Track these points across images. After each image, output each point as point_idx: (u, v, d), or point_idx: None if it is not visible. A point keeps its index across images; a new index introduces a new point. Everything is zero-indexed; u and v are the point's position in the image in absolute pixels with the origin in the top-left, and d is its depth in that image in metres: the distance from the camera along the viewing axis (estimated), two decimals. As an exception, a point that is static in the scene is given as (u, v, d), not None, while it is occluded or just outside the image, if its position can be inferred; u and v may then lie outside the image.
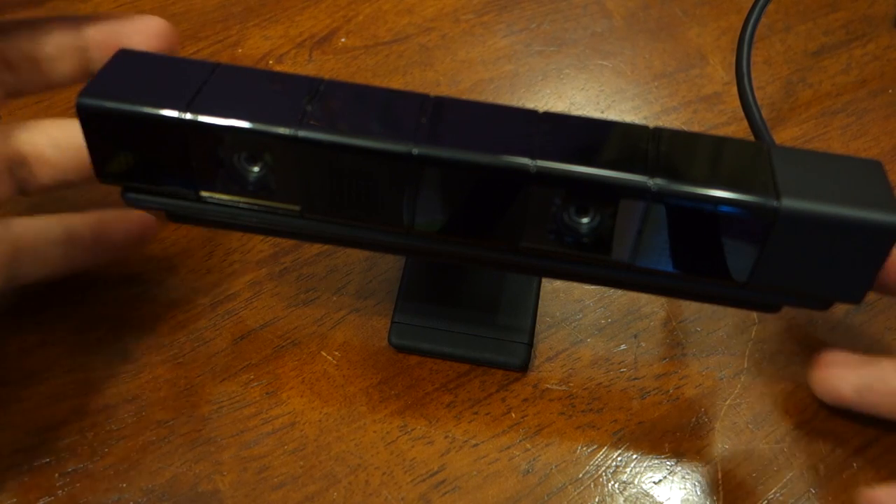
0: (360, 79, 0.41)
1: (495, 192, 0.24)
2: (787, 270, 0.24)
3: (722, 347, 0.33)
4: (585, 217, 0.24)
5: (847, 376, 0.29)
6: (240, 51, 0.42)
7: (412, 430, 0.30)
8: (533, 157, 0.23)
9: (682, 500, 0.29)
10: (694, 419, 0.31)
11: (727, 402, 0.31)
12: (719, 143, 0.25)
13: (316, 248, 0.35)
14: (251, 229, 0.28)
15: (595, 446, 0.30)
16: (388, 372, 0.32)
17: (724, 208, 0.23)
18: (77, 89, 0.24)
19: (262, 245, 0.35)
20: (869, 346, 0.33)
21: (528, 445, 0.30)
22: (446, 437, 0.30)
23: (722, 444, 0.30)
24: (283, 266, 0.35)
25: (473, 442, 0.30)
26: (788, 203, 0.23)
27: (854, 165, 0.24)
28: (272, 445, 0.30)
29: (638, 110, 0.40)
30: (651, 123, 0.26)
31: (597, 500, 0.29)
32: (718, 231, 0.24)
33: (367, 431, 0.30)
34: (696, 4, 0.45)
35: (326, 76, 0.26)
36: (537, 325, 0.33)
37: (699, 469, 0.30)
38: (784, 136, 0.39)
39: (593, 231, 0.24)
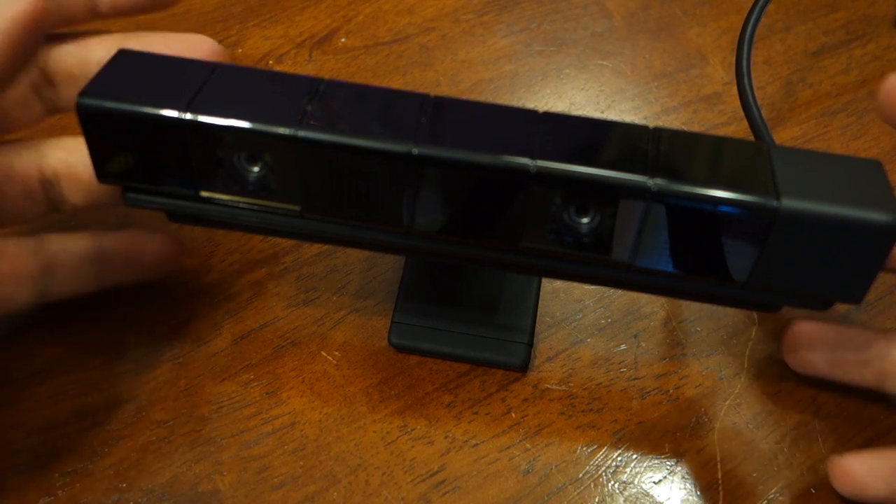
0: (360, 79, 0.41)
1: (495, 192, 0.24)
2: (787, 270, 0.24)
3: (722, 347, 0.33)
4: (585, 217, 0.24)
5: (818, 347, 0.29)
6: (240, 51, 0.42)
7: (412, 430, 0.30)
8: (533, 157, 0.23)
9: (682, 500, 0.29)
10: (694, 419, 0.31)
11: (727, 402, 0.31)
12: (719, 142, 0.25)
13: (316, 248, 0.35)
14: (251, 229, 0.28)
15: (595, 446, 0.30)
16: (388, 372, 0.32)
17: (724, 208, 0.23)
18: None
19: (262, 245, 0.35)
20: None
21: (528, 445, 0.30)
22: (446, 437, 0.30)
23: (722, 444, 0.30)
24: (283, 266, 0.35)
25: (473, 442, 0.30)
26: (788, 203, 0.23)
27: (854, 165, 0.24)
28: (272, 445, 0.30)
29: (638, 110, 0.40)
30: (651, 123, 0.26)
31: (597, 500, 0.29)
32: (718, 231, 0.24)
33: (367, 431, 0.30)
34: (696, 4, 0.45)
35: (326, 76, 0.26)
36: (537, 325, 0.33)
37: (699, 469, 0.30)
38: (784, 136, 0.39)
39: (593, 231, 0.24)
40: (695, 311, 0.34)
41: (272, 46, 0.43)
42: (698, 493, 0.29)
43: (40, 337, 0.32)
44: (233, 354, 0.32)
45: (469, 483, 0.29)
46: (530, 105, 0.40)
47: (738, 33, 0.36)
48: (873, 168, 0.24)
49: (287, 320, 0.33)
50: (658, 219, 0.24)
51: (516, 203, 0.24)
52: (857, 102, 0.41)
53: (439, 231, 0.25)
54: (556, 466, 0.30)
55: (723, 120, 0.40)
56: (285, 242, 0.35)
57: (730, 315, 0.33)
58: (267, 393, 0.31)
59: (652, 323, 0.33)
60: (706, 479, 0.30)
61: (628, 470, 0.30)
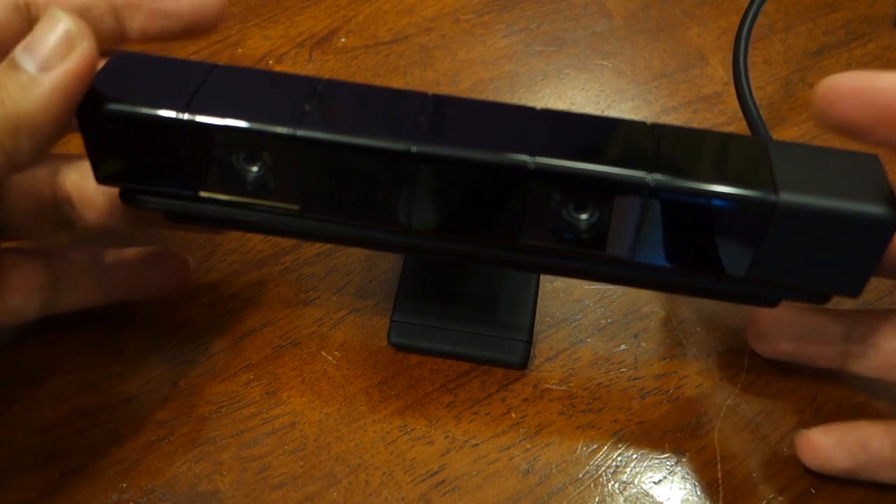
0: (359, 79, 0.41)
1: (494, 189, 0.24)
2: (786, 265, 0.24)
3: (722, 347, 0.32)
4: (584, 213, 0.24)
5: (784, 329, 0.30)
6: (240, 51, 0.42)
7: (412, 430, 0.30)
8: (531, 153, 0.23)
9: (682, 500, 0.29)
10: (694, 419, 0.31)
11: (727, 402, 0.31)
12: (717, 138, 0.25)
13: (316, 248, 0.35)
14: (250, 229, 0.28)
15: (595, 446, 0.30)
16: (388, 372, 0.32)
17: (723, 203, 0.23)
18: None
19: (262, 245, 0.35)
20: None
21: (528, 445, 0.30)
22: (446, 437, 0.30)
23: (722, 444, 0.30)
24: (283, 266, 0.35)
25: (473, 442, 0.30)
26: (786, 197, 0.23)
27: (852, 159, 0.24)
28: (272, 445, 0.30)
29: (638, 110, 0.40)
30: (650, 122, 0.26)
31: (597, 500, 0.29)
32: (717, 226, 0.24)
33: (367, 431, 0.30)
34: (696, 4, 0.45)
35: (326, 76, 0.26)
36: (537, 326, 0.33)
37: (699, 469, 0.30)
38: (784, 135, 0.39)
39: (592, 227, 0.24)
40: (695, 311, 0.33)
41: (272, 46, 0.43)
42: (698, 493, 0.29)
43: (40, 337, 0.32)
44: (233, 354, 0.32)
45: (469, 483, 0.29)
46: (530, 105, 0.40)
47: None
48: (871, 162, 0.24)
49: (287, 320, 0.33)
50: (656, 214, 0.24)
51: (515, 200, 0.24)
52: (858, 102, 0.41)
53: (439, 229, 0.25)
54: (556, 466, 0.30)
55: (723, 120, 0.40)
56: (285, 242, 0.35)
57: (730, 315, 0.33)
58: (267, 393, 0.31)
59: (652, 323, 0.33)
60: (706, 479, 0.30)
61: (628, 470, 0.30)
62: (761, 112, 0.35)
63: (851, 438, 0.28)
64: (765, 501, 0.29)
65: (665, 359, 0.32)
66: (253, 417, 0.31)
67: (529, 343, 0.32)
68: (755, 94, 0.35)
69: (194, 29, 0.27)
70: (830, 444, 0.28)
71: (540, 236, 0.25)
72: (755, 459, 0.30)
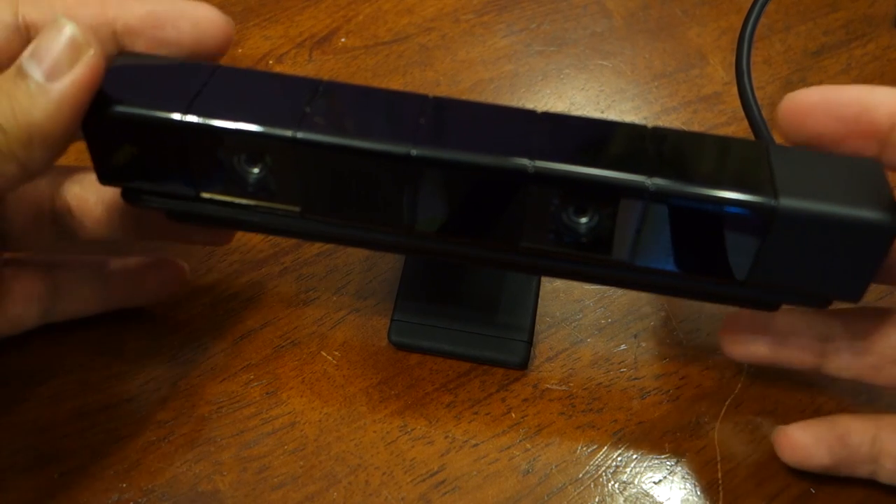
0: (360, 79, 0.41)
1: (494, 192, 0.24)
2: (786, 269, 0.24)
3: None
4: (584, 217, 0.24)
5: (759, 334, 0.29)
6: (240, 51, 0.42)
7: (412, 430, 0.30)
8: (531, 157, 0.23)
9: (682, 500, 0.29)
10: (694, 419, 0.31)
11: (727, 402, 0.31)
12: (718, 142, 0.25)
13: (316, 248, 0.35)
14: (252, 229, 0.28)
15: (595, 446, 0.30)
16: (388, 372, 0.32)
17: (723, 208, 0.23)
18: None
19: (262, 245, 0.35)
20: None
21: (528, 445, 0.30)
22: (446, 437, 0.30)
23: (722, 444, 0.30)
24: (283, 266, 0.35)
25: (473, 442, 0.30)
26: (787, 202, 0.23)
27: (852, 164, 0.24)
28: (272, 445, 0.30)
29: (638, 110, 0.40)
30: (651, 123, 0.26)
31: (597, 500, 0.29)
32: (717, 230, 0.24)
33: (367, 431, 0.30)
34: (696, 4, 0.45)
35: (326, 76, 0.26)
36: (537, 325, 0.33)
37: (699, 469, 0.30)
38: (784, 135, 0.39)
39: (592, 231, 0.24)
40: (695, 311, 0.34)
41: (272, 46, 0.43)
42: (698, 493, 0.29)
43: (40, 337, 0.32)
44: (233, 354, 0.32)
45: (469, 483, 0.29)
46: (530, 105, 0.41)
47: (739, 33, 0.36)
48: (872, 167, 0.24)
49: (287, 320, 0.33)
50: (657, 218, 0.24)
51: (515, 203, 0.24)
52: (858, 102, 0.41)
53: (439, 231, 0.25)
54: (556, 466, 0.30)
55: (723, 120, 0.40)
56: (285, 242, 0.35)
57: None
58: (267, 393, 0.31)
59: (652, 323, 0.33)
60: (706, 479, 0.30)
61: (628, 470, 0.30)
62: (762, 112, 0.35)
63: (831, 434, 0.28)
64: (765, 501, 0.29)
65: (665, 359, 0.32)
66: (253, 417, 0.31)
67: (530, 343, 0.32)
68: (755, 94, 0.35)
69: (198, 55, 0.27)
70: (810, 441, 0.28)
71: (540, 239, 0.25)
72: (755, 459, 0.30)
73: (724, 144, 0.25)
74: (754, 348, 0.29)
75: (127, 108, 0.24)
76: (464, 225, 0.25)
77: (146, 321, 0.33)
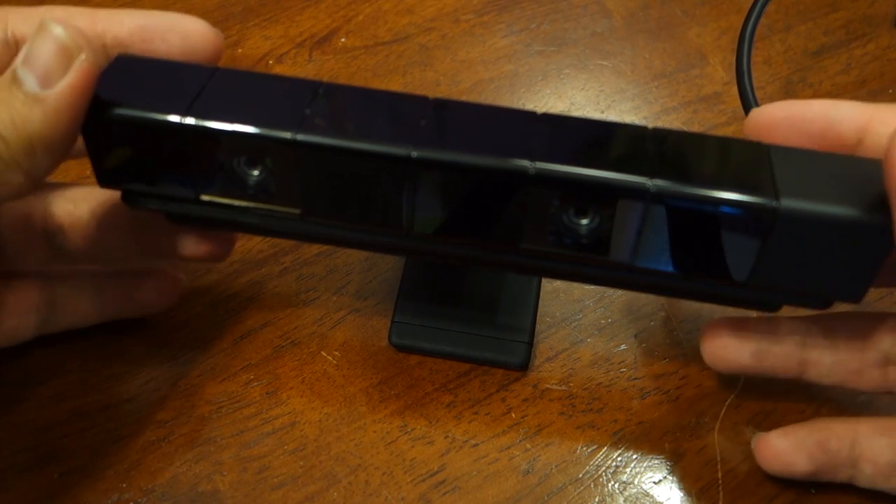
0: (360, 78, 0.41)
1: (495, 194, 0.24)
2: (787, 270, 0.24)
3: (722, 347, 0.32)
4: (585, 218, 0.24)
5: (741, 343, 0.28)
6: (240, 51, 0.42)
7: (412, 430, 0.30)
8: (532, 158, 0.23)
9: (682, 500, 0.29)
10: (694, 419, 0.31)
11: (727, 402, 0.31)
12: (718, 142, 0.25)
13: (316, 248, 0.35)
14: (252, 231, 0.28)
15: (595, 446, 0.30)
16: (388, 372, 0.32)
17: (724, 209, 0.23)
18: None
19: (262, 245, 0.35)
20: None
21: (528, 445, 0.30)
22: (446, 437, 0.30)
23: (722, 444, 0.30)
24: (283, 266, 0.35)
25: (473, 442, 0.30)
26: (788, 203, 0.23)
27: (854, 165, 0.24)
28: (272, 445, 0.30)
29: (638, 110, 0.40)
30: (651, 123, 0.26)
31: (597, 500, 0.29)
32: (718, 231, 0.24)
33: (367, 431, 0.30)
34: (696, 4, 0.45)
35: (326, 76, 0.26)
36: (537, 325, 0.33)
37: (699, 469, 0.30)
38: (784, 136, 0.39)
39: (593, 232, 0.24)
40: (695, 311, 0.34)
41: (272, 46, 0.43)
42: (698, 493, 0.29)
43: (40, 337, 0.32)
44: (233, 354, 0.32)
45: (469, 483, 0.29)
46: (530, 105, 0.40)
47: (739, 33, 0.36)
48: (873, 167, 0.24)
49: (287, 320, 0.33)
50: (657, 220, 0.24)
51: (516, 205, 0.24)
52: (857, 102, 0.41)
53: (439, 233, 0.25)
54: (556, 466, 0.30)
55: (723, 120, 0.40)
56: (285, 242, 0.35)
57: (730, 315, 0.33)
58: (267, 393, 0.31)
59: (652, 323, 0.33)
60: (706, 479, 0.30)
61: (628, 470, 0.30)
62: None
63: (811, 440, 0.28)
64: (765, 501, 0.29)
65: (665, 359, 0.32)
66: (253, 417, 0.31)
67: (530, 344, 0.32)
68: (755, 93, 0.35)
69: None
70: (789, 448, 0.28)
71: (540, 241, 0.25)
72: (755, 459, 0.30)
73: (724, 145, 0.25)
74: (737, 358, 0.28)
75: (126, 110, 0.24)
76: (464, 226, 0.25)
77: (146, 322, 0.33)
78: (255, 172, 0.25)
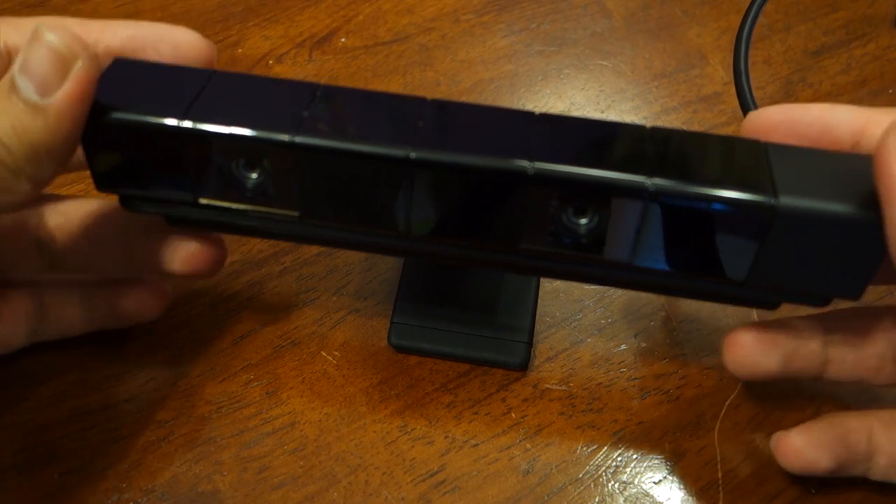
0: (359, 78, 0.41)
1: (493, 194, 0.24)
2: (786, 268, 0.24)
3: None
4: (584, 218, 0.24)
5: (768, 349, 0.27)
6: (240, 51, 0.42)
7: (412, 430, 0.30)
8: (531, 159, 0.23)
9: (682, 500, 0.29)
10: (694, 419, 0.31)
11: (727, 402, 0.31)
12: (717, 141, 0.25)
13: (316, 248, 0.35)
14: (250, 233, 0.28)
15: (595, 446, 0.30)
16: (388, 372, 0.32)
17: (723, 207, 0.23)
18: None
19: (262, 245, 0.35)
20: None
21: (528, 445, 0.30)
22: (446, 437, 0.30)
23: (722, 444, 0.30)
24: (283, 266, 0.35)
25: (473, 442, 0.30)
26: (786, 201, 0.23)
27: (852, 162, 0.24)
28: (272, 445, 0.30)
29: (638, 110, 0.40)
30: (651, 123, 0.26)
31: (597, 500, 0.29)
32: (717, 230, 0.24)
33: (367, 431, 0.30)
34: (696, 4, 0.45)
35: (326, 76, 0.26)
36: (537, 325, 0.33)
37: (699, 469, 0.30)
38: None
39: (592, 232, 0.24)
40: (695, 311, 0.34)
41: (272, 46, 0.43)
42: (698, 493, 0.29)
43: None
44: (232, 354, 0.32)
45: (469, 483, 0.29)
46: (530, 105, 0.41)
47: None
48: (871, 164, 0.24)
49: (287, 320, 0.33)
50: (656, 219, 0.24)
51: (515, 205, 0.24)
52: (857, 102, 0.40)
53: (438, 234, 0.25)
54: (556, 466, 0.30)
55: (723, 120, 0.40)
56: (285, 243, 0.35)
57: (730, 315, 0.33)
58: (267, 393, 0.31)
59: (652, 323, 0.33)
60: (706, 479, 0.30)
61: (628, 470, 0.30)
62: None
63: (830, 436, 0.28)
64: (765, 501, 0.29)
65: (665, 359, 0.32)
66: (253, 417, 0.31)
67: (530, 344, 0.32)
68: (755, 94, 0.35)
69: None
70: (809, 445, 0.28)
71: (540, 241, 0.25)
72: (755, 459, 0.30)
73: (723, 144, 0.25)
74: (764, 364, 0.27)
75: (123, 114, 0.24)
76: (463, 227, 0.25)
77: (146, 322, 0.33)
78: (254, 175, 0.25)
